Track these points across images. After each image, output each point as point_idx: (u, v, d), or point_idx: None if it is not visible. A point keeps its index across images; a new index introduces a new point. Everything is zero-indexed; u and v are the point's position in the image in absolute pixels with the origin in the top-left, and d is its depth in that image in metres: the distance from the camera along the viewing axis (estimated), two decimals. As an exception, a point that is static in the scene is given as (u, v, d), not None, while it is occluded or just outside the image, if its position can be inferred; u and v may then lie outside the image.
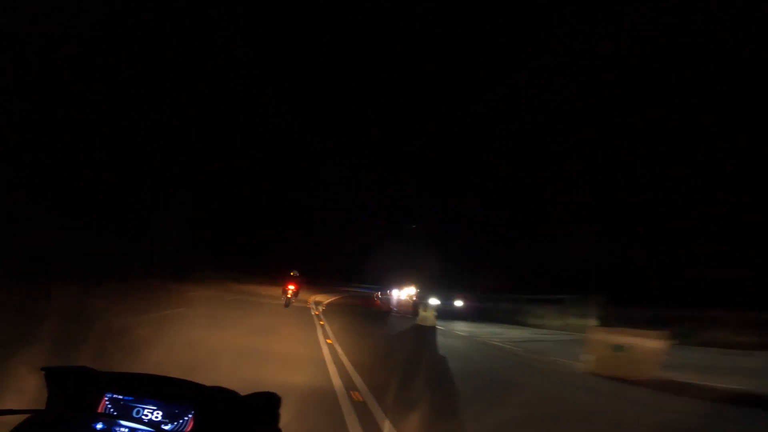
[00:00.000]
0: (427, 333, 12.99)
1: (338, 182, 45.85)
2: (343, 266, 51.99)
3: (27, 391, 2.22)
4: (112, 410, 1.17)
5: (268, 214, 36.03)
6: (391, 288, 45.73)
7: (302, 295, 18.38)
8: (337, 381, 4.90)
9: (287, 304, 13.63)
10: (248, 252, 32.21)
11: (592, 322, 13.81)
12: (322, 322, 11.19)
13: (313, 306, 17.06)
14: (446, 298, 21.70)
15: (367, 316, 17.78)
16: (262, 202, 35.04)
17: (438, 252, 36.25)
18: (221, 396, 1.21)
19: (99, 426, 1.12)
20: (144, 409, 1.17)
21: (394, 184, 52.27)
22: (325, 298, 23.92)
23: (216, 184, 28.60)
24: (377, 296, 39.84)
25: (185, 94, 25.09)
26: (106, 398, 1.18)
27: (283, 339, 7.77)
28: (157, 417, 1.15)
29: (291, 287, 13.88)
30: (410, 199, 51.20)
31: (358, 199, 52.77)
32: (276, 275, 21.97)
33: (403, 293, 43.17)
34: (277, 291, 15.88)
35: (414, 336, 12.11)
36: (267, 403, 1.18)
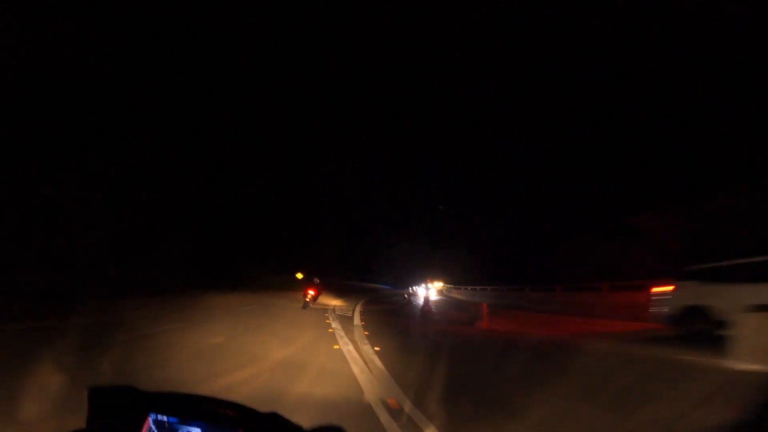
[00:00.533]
0: None
1: (350, 179, 41.13)
2: (358, 264, 46.59)
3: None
4: (155, 431, 1.15)
5: (278, 216, 32.12)
6: (415, 284, 41.19)
7: (323, 299, 17.12)
8: None
9: (305, 306, 14.45)
10: (264, 255, 28.66)
11: None
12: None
13: (338, 323, 10.01)
14: None
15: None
16: (272, 203, 31.46)
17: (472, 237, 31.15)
18: (277, 425, 1.12)
19: None
20: (188, 431, 1.14)
21: (410, 176, 47.40)
22: (350, 305, 18.40)
23: (227, 188, 26.21)
24: (420, 294, 32.24)
25: (193, 95, 23.46)
26: (151, 419, 1.15)
27: None
28: None
29: (311, 292, 14.87)
30: (430, 188, 45.61)
31: (372, 194, 47.62)
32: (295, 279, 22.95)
33: (431, 290, 38.33)
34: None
35: None
36: None
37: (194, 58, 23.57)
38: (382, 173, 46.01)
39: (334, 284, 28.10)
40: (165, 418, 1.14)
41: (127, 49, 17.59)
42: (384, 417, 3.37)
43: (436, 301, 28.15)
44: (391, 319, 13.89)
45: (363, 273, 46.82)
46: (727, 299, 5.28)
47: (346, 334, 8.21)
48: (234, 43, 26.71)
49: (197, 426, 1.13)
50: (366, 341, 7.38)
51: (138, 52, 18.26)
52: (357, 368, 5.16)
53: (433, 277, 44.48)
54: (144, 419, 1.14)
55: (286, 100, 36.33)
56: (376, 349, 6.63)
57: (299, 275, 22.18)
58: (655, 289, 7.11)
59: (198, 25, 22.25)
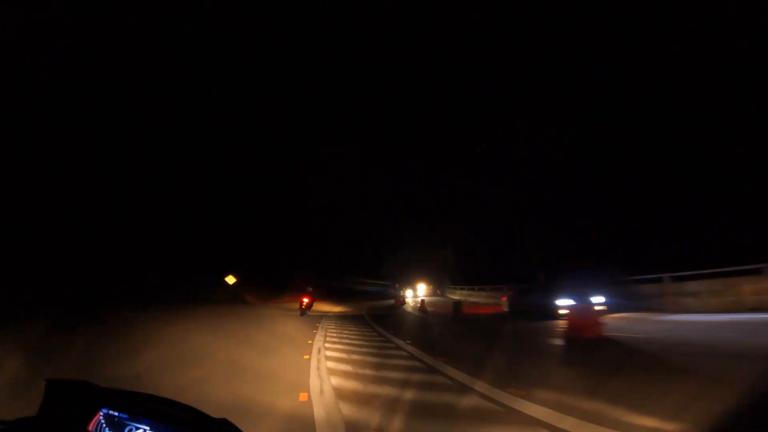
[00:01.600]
0: None
1: (350, 182, 40.33)
2: (361, 267, 45.30)
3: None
4: (104, 426, 1.17)
5: (276, 223, 31.38)
6: (400, 287, 34.65)
7: (319, 307, 17.74)
8: None
9: (302, 313, 15.25)
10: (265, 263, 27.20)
11: None
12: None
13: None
14: None
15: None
16: (269, 209, 30.73)
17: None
18: (226, 430, 1.15)
19: None
20: (136, 428, 1.16)
21: (411, 177, 46.04)
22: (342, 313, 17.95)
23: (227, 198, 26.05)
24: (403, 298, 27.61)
25: (191, 101, 24.37)
26: (101, 414, 1.18)
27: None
28: None
29: (305, 300, 15.80)
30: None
31: (374, 196, 46.73)
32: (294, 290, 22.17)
33: (411, 294, 33.38)
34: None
35: None
36: None
37: (193, 58, 23.29)
38: (383, 175, 44.82)
39: (336, 291, 27.69)
40: (115, 413, 1.18)
41: (126, 49, 17.66)
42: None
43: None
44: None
45: (366, 276, 45.61)
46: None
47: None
48: (234, 43, 26.72)
49: (146, 423, 1.16)
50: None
51: (137, 52, 18.32)
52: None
53: (421, 280, 36.76)
54: (95, 413, 1.19)
55: (283, 102, 36.30)
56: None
57: (230, 279, 19.32)
58: None
59: (198, 26, 22.02)
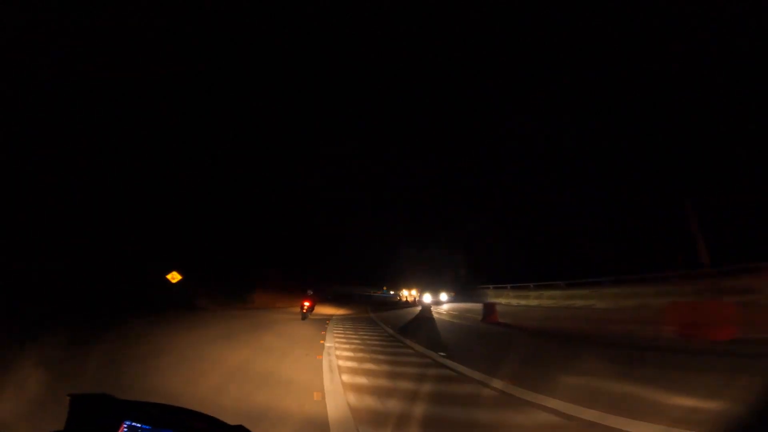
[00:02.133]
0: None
1: (349, 185, 40.04)
2: (365, 271, 45.07)
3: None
4: None
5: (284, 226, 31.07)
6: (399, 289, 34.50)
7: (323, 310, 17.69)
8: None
9: (304, 317, 15.36)
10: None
11: None
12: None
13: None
14: None
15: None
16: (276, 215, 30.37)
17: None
18: None
19: None
20: None
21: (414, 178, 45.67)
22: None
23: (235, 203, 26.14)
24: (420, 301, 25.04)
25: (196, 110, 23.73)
26: (125, 426, 1.23)
27: None
28: None
29: (306, 304, 15.84)
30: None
31: (374, 200, 46.59)
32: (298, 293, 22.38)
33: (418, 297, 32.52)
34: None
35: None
36: None
37: (193, 58, 23.09)
38: (383, 175, 44.40)
39: (337, 294, 27.59)
40: (138, 425, 1.24)
41: (126, 49, 17.39)
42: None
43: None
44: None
45: (368, 279, 45.52)
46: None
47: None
48: (234, 43, 26.54)
49: None
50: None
51: (137, 52, 17.90)
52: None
53: (414, 284, 35.35)
54: (119, 426, 1.23)
55: (283, 102, 36.14)
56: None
57: (173, 277, 16.29)
58: None
59: (198, 26, 21.82)
